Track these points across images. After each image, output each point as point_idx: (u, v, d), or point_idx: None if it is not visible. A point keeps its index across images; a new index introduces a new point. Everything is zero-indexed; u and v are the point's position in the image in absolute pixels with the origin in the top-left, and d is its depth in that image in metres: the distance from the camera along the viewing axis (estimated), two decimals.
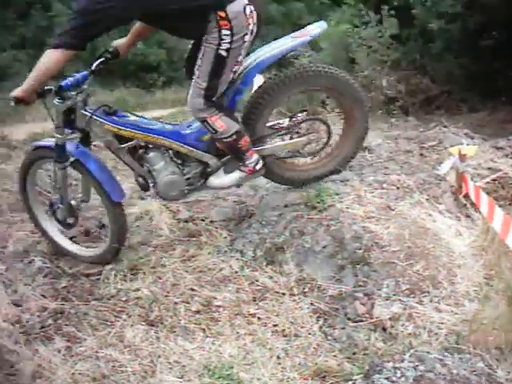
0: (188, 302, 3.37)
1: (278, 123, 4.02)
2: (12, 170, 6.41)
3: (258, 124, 3.88)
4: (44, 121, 11.82)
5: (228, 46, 3.35)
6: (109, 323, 3.25)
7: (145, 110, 15.35)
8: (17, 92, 3.30)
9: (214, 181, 3.92)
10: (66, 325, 3.23)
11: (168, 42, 23.76)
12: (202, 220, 4.32)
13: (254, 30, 3.42)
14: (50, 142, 3.81)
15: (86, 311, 3.35)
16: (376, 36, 10.52)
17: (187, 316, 3.25)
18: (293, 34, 3.85)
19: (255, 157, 3.85)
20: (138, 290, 3.52)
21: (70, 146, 3.72)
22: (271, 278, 3.53)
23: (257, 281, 3.52)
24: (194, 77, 3.53)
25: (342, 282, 3.34)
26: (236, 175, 3.89)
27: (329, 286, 3.34)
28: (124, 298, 3.46)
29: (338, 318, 3.13)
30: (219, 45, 3.35)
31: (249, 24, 3.36)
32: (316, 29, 3.89)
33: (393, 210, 3.77)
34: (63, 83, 3.57)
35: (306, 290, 3.38)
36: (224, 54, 3.37)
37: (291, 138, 4.00)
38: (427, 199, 3.94)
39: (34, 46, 36.76)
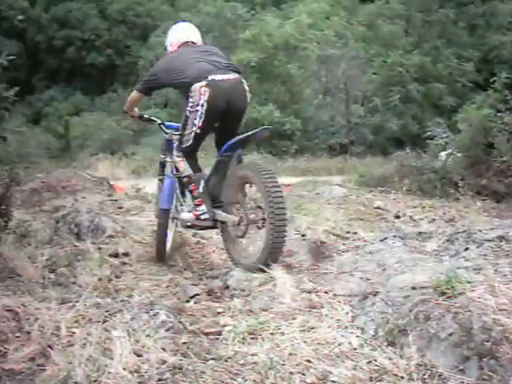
0: (304, 374, 3.31)
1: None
2: (145, 223, 6.66)
3: (219, 194, 5.07)
4: None
5: (190, 109, 4.88)
6: None
7: None
8: (124, 107, 5.60)
9: (180, 214, 5.38)
10: (183, 381, 3.25)
11: (305, 111, 24.23)
12: (326, 292, 4.28)
13: (205, 106, 4.78)
14: None
15: (203, 370, 3.36)
16: None
17: None
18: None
19: (203, 208, 5.05)
20: (255, 354, 3.51)
21: (167, 167, 5.56)
22: (390, 359, 3.41)
23: (375, 360, 3.42)
24: None
25: (465, 374, 3.17)
26: (190, 215, 5.20)
27: (450, 376, 3.19)
28: (241, 361, 3.45)
29: None
30: (186, 107, 4.93)
31: (200, 99, 4.79)
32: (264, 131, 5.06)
33: None
34: (166, 122, 5.65)
35: (425, 376, 3.24)
36: (188, 114, 4.92)
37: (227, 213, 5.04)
38: None
39: (175, 105, 38.85)
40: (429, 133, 13.44)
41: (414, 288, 3.91)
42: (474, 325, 3.38)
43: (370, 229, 7.82)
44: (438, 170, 11.60)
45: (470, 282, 3.83)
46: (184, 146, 5.04)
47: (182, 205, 5.40)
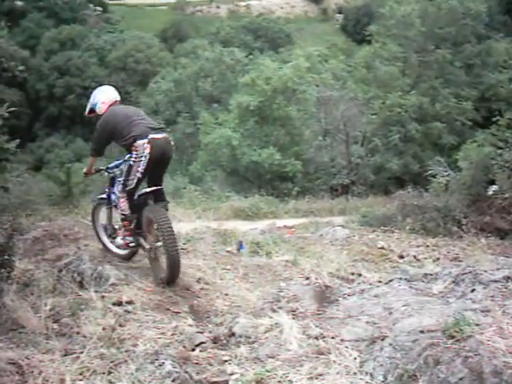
0: None
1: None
2: (147, 270, 6.63)
3: (141, 225, 6.36)
4: (178, 221, 12.24)
5: (134, 159, 6.11)
6: None
7: (276, 218, 15.53)
8: (84, 170, 7.11)
9: (116, 239, 6.74)
10: None
11: (305, 153, 24.29)
12: (333, 338, 4.23)
13: (147, 157, 6.04)
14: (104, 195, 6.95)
15: None
16: None
17: None
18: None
19: (131, 238, 6.46)
20: None
21: (113, 197, 6.71)
22: None
23: None
24: None
25: None
26: (121, 242, 6.61)
27: None
28: None
29: None
30: (130, 158, 6.18)
31: (143, 152, 6.05)
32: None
33: None
34: (109, 165, 6.82)
35: None
36: (132, 163, 6.15)
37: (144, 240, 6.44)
38: None
39: (176, 150, 39.03)
40: (430, 171, 13.46)
41: (422, 332, 3.86)
42: (485, 369, 3.33)
43: (375, 270, 7.78)
44: (441, 208, 11.58)
45: (478, 325, 3.79)
46: (128, 188, 6.28)
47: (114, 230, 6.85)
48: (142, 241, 6.46)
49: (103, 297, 5.66)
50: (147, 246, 6.34)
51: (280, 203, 18.41)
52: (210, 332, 4.76)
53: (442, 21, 30.75)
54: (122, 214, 6.44)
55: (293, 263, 7.46)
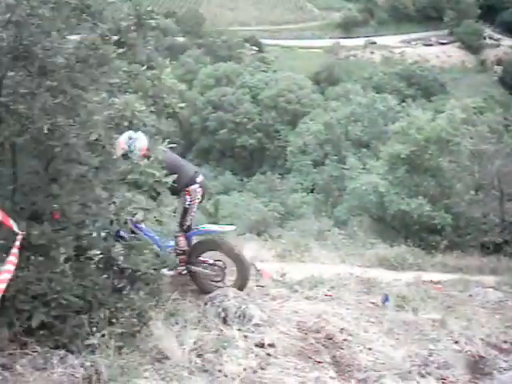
0: None
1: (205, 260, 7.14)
2: (291, 314, 6.55)
3: (191, 257, 7.07)
4: (321, 263, 12.13)
5: (189, 203, 6.96)
6: None
7: (421, 271, 15.02)
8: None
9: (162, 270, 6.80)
10: None
11: (455, 207, 23.49)
12: None
13: (200, 198, 7.06)
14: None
15: None
16: None
17: None
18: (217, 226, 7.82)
19: (183, 268, 7.03)
20: None
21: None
22: None
23: None
24: None
25: None
26: (171, 272, 6.99)
27: None
28: None
29: None
30: (185, 201, 6.97)
31: (196, 195, 6.99)
32: (226, 227, 7.62)
33: None
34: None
35: None
36: (187, 206, 6.97)
37: (204, 269, 7.08)
38: None
39: (322, 191, 39.02)
40: None
41: None
42: None
43: None
44: None
45: None
46: (185, 226, 7.04)
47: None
48: (195, 268, 7.09)
49: (246, 336, 5.65)
50: (211, 273, 7.04)
51: (426, 255, 17.81)
52: None
53: None
54: (181, 250, 7.08)
55: (440, 323, 7.09)
